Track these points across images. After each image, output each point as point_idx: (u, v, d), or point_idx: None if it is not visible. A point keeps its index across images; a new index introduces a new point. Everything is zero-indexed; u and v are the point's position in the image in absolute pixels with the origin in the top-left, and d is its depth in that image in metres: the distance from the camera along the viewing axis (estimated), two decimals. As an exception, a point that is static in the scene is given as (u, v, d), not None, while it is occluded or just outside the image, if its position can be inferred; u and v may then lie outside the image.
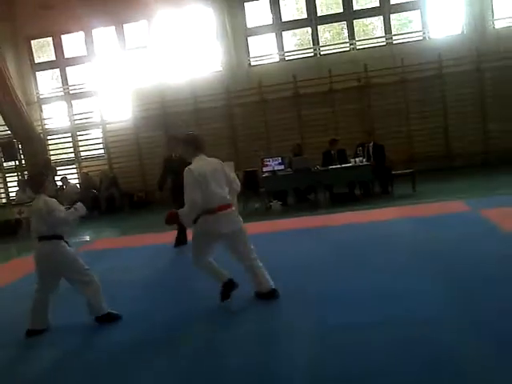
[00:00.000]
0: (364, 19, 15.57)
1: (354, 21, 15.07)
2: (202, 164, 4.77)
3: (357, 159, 10.95)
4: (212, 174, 4.74)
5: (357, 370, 3.33)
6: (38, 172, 5.43)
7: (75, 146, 16.83)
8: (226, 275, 4.89)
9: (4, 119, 15.63)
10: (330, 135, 12.99)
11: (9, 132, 16.01)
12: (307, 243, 7.24)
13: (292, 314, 4.53)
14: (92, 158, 16.73)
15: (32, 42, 16.79)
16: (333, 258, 6.29)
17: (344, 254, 6.42)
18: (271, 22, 15.32)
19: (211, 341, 4.18)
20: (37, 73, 16.97)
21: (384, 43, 14.82)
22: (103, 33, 16.35)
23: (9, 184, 17.38)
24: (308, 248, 6.94)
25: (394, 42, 14.76)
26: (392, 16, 14.86)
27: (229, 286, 4.86)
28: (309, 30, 15.41)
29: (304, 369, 3.47)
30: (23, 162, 16.14)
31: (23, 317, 4.88)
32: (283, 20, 15.33)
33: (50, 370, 4.08)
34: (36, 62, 16.92)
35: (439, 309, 4.18)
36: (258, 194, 11.62)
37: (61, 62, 16.68)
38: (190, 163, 4.84)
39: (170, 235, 8.14)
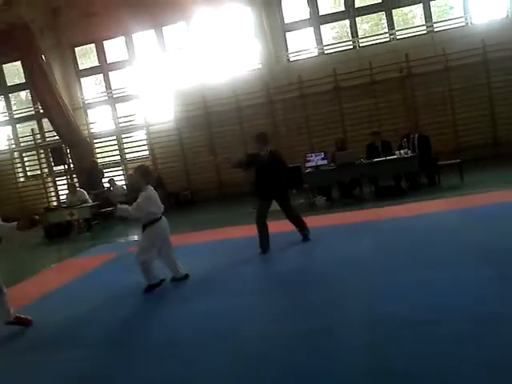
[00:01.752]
0: (403, 8, 15.28)
1: (393, 10, 14.84)
2: None
3: (402, 151, 10.80)
4: None
5: (413, 367, 3.32)
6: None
7: (120, 149, 17.24)
8: None
9: (52, 125, 16.20)
10: (373, 128, 12.91)
11: (57, 137, 16.59)
12: (356, 238, 7.23)
13: (348, 308, 4.56)
14: (137, 159, 17.09)
15: (76, 49, 17.30)
16: (382, 252, 6.28)
17: (394, 248, 6.39)
18: (308, 17, 15.26)
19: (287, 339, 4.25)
20: (81, 79, 17.45)
21: (425, 31, 14.55)
22: (143, 36, 16.67)
23: (58, 187, 18.01)
24: (357, 243, 6.93)
25: (435, 29, 14.45)
26: (432, 3, 14.56)
27: None
28: (347, 22, 15.29)
29: (362, 363, 3.50)
30: (71, 165, 16.67)
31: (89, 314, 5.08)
32: (321, 14, 15.24)
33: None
34: (80, 68, 17.42)
35: (496, 305, 4.11)
36: (302, 189, 11.64)
37: (104, 67, 17.11)
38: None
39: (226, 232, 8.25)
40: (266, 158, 7.40)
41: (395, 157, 10.84)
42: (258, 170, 7.51)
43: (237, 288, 5.81)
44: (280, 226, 7.91)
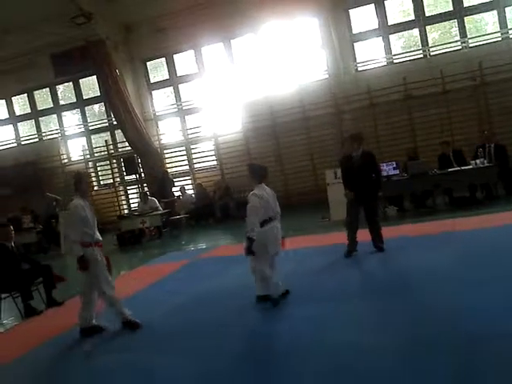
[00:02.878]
0: (475, 15, 14.91)
1: (465, 18, 14.50)
2: None
3: (477, 161, 10.51)
4: None
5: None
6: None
7: (189, 159, 17.67)
8: None
9: (125, 136, 16.84)
10: (444, 137, 12.63)
11: (129, 148, 17.21)
12: (433, 250, 7.06)
13: (440, 322, 4.49)
14: (205, 169, 17.46)
15: (148, 63, 17.93)
16: (462, 265, 6.10)
17: (473, 261, 6.19)
18: (377, 27, 15.17)
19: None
20: (153, 91, 18.06)
21: (499, 38, 14.13)
22: (212, 49, 17.07)
23: (130, 196, 18.66)
24: (435, 254, 6.77)
25: (511, 36, 14.00)
26: (507, 9, 14.12)
27: None
28: (415, 31, 15.09)
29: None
30: (143, 174, 17.24)
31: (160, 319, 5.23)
32: (389, 23, 15.11)
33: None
34: (152, 81, 18.03)
35: None
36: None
37: (174, 80, 17.65)
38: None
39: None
40: (358, 158, 7.53)
41: (471, 167, 10.56)
42: (348, 170, 7.65)
43: (321, 296, 5.84)
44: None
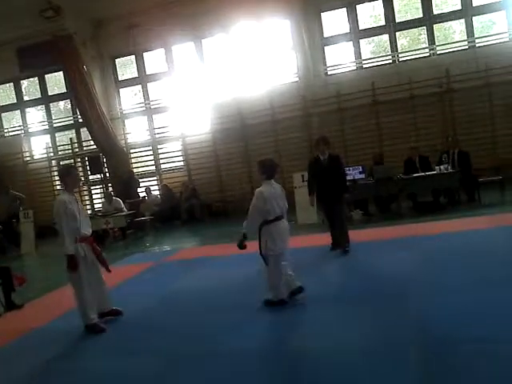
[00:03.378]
0: (444, 23, 15.10)
1: (434, 25, 14.68)
2: None
3: (442, 166, 10.62)
4: None
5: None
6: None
7: (156, 159, 17.41)
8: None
9: (91, 134, 16.50)
10: (410, 142, 12.75)
11: (94, 146, 16.86)
12: (398, 253, 7.08)
13: (402, 327, 4.45)
14: (172, 170, 17.23)
15: (116, 60, 17.61)
16: (426, 269, 6.12)
17: (437, 265, 6.22)
18: (348, 31, 15.22)
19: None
20: (120, 89, 17.75)
21: (466, 47, 14.32)
22: (182, 48, 16.87)
23: (94, 196, 18.28)
24: (400, 259, 6.78)
25: (478, 44, 14.21)
26: (474, 18, 14.35)
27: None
28: (385, 36, 15.20)
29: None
30: (108, 174, 16.90)
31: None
32: (360, 28, 15.18)
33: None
34: (120, 79, 17.71)
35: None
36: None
37: (142, 79, 17.36)
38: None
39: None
40: (325, 160, 7.67)
41: (435, 172, 10.66)
42: (315, 172, 7.80)
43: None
44: (318, 239, 7.83)
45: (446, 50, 14.56)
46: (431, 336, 4.09)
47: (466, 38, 14.40)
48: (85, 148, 18.00)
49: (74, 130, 18.38)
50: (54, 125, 18.50)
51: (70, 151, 17.98)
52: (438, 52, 14.56)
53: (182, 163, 17.09)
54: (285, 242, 5.49)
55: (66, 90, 17.87)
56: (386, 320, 4.63)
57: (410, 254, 6.97)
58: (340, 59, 15.59)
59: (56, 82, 18.63)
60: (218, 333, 4.91)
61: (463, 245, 7.05)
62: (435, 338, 4.03)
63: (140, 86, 17.59)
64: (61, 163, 18.37)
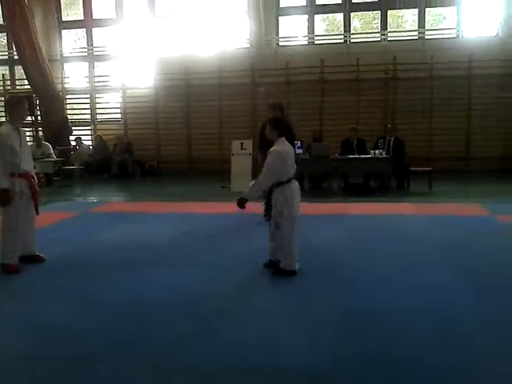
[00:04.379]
0: (398, 10, 15.25)
1: (389, 11, 14.80)
2: None
3: (376, 151, 10.81)
4: None
5: (374, 356, 3.29)
6: None
7: (92, 108, 16.75)
8: None
9: (26, 74, 15.57)
10: (350, 124, 12.88)
11: (28, 86, 15.96)
12: (325, 229, 7.15)
13: (315, 296, 4.52)
14: (108, 121, 16.66)
15: (61, -1, 16.64)
16: (350, 245, 6.26)
17: (360, 243, 6.37)
18: (305, 4, 15.07)
19: (229, 315, 4.13)
20: (62, 31, 16.82)
21: (416, 37, 14.57)
22: (134, -4, 16.15)
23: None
24: (327, 234, 6.85)
25: (427, 37, 14.48)
26: (427, 10, 14.59)
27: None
28: (340, 15, 15.19)
29: (324, 350, 3.43)
30: (39, 117, 16.08)
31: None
32: (317, 3, 15.07)
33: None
34: (63, 19, 16.77)
35: (457, 303, 4.19)
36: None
37: (88, 22, 16.51)
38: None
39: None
40: None
41: (370, 156, 10.85)
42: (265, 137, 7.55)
43: (203, 261, 5.72)
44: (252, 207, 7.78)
45: (397, 38, 14.77)
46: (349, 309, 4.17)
47: (416, 28, 14.62)
48: (18, 87, 17.03)
49: (7, 67, 17.32)
50: (-13, 58, 17.34)
51: (1, 88, 16.94)
52: (389, 38, 14.74)
53: (119, 116, 16.54)
54: (299, 205, 5.09)
55: (2, 23, 16.71)
56: (306, 285, 4.72)
57: (336, 230, 7.07)
58: (293, 32, 15.46)
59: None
60: (130, 286, 4.80)
61: (386, 226, 7.26)
62: (352, 311, 4.12)
63: (84, 30, 16.74)
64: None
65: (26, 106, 5.54)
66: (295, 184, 5.09)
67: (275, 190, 4.99)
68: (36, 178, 5.65)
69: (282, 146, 4.98)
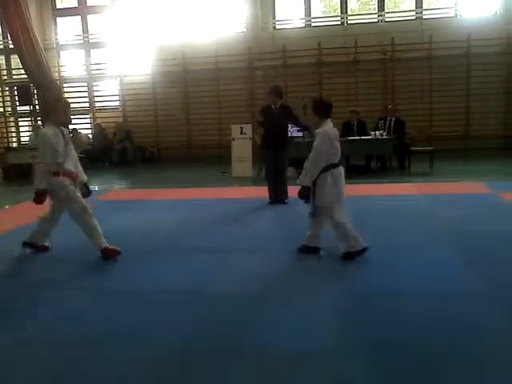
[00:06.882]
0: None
1: (386, -9, 14.72)
2: None
3: (377, 132, 10.84)
4: None
5: (370, 337, 3.33)
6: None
7: (90, 96, 16.67)
8: None
9: (22, 63, 15.43)
10: (351, 106, 12.87)
11: (25, 76, 15.86)
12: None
13: (321, 276, 4.57)
14: (106, 109, 16.60)
15: (55, -15, 16.48)
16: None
17: (361, 224, 6.37)
18: (301, -15, 14.97)
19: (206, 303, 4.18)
20: (58, 18, 16.68)
21: (413, 17, 14.50)
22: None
23: (21, 129, 17.36)
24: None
25: (424, 16, 14.42)
26: (424, -11, 14.52)
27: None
28: (338, -4, 15.11)
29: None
30: (37, 107, 16.00)
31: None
32: (314, -16, 14.99)
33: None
34: (58, 7, 16.62)
35: (458, 284, 4.20)
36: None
37: (83, 9, 16.38)
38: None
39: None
40: (276, 110, 7.73)
41: (370, 137, 10.87)
42: (268, 122, 7.79)
43: (207, 247, 5.74)
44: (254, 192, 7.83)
45: (394, 19, 14.69)
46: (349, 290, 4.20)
47: (414, 8, 14.54)
48: (14, 76, 16.94)
49: (3, 56, 17.19)
50: (-18, 48, 17.21)
51: (-2, 78, 16.87)
52: (386, 19, 14.67)
53: (117, 103, 16.48)
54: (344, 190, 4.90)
55: (-3, 11, 16.56)
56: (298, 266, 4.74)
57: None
58: (289, 14, 15.36)
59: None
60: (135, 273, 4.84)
61: (390, 207, 7.30)
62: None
63: (79, 17, 16.59)
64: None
65: (69, 110, 5.44)
66: (342, 169, 4.85)
67: (322, 175, 4.69)
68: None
69: (328, 127, 4.73)
